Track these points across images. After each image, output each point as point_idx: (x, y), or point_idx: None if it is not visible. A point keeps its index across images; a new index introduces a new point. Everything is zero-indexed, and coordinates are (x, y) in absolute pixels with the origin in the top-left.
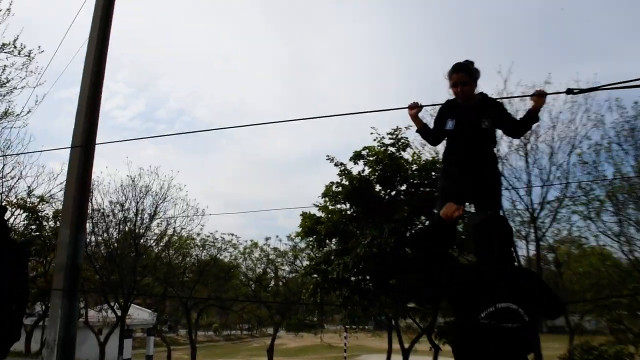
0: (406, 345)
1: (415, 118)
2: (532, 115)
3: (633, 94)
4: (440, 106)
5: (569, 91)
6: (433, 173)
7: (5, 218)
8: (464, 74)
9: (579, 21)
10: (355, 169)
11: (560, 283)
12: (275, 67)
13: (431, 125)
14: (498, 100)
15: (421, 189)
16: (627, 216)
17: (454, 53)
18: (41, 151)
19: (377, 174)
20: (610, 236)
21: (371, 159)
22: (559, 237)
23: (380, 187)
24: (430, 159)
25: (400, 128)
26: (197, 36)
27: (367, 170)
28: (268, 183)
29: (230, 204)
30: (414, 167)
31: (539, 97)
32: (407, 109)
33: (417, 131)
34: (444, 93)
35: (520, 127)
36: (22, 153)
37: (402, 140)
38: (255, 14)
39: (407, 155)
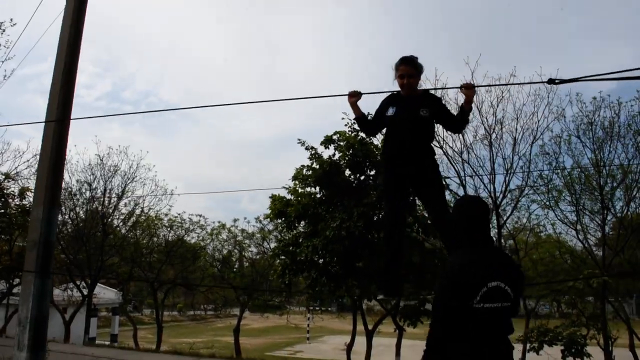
0: (370, 327)
1: (354, 106)
2: (466, 108)
3: (591, 90)
4: (384, 97)
5: (551, 81)
6: None
7: None
8: (411, 67)
9: (539, 20)
10: (326, 153)
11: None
12: (242, 51)
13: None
14: (438, 96)
15: None
16: (583, 206)
17: (425, 42)
18: (14, 125)
19: (347, 158)
20: (567, 224)
21: (342, 144)
22: (518, 225)
23: (349, 172)
24: None
25: (371, 114)
26: (164, 16)
27: (337, 155)
28: (231, 166)
29: (195, 186)
30: None
31: (468, 89)
32: (347, 97)
33: (354, 119)
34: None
35: (458, 122)
36: None
37: None
38: None
39: (377, 141)
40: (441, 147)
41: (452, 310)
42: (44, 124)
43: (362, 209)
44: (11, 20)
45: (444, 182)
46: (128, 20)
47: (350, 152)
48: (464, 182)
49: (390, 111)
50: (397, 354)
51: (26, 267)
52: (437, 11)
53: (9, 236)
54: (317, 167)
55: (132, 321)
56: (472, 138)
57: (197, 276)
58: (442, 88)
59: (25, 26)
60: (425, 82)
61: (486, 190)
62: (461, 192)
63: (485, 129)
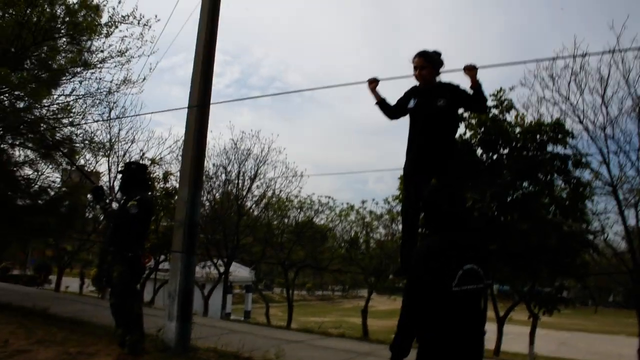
0: (501, 314)
1: (373, 91)
2: (475, 89)
3: None
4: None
5: None
6: (538, 136)
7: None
8: (423, 59)
9: None
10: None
11: None
12: (362, 30)
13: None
14: (455, 84)
15: (524, 152)
16: None
17: (569, 6)
18: (158, 112)
19: (478, 137)
20: None
21: (473, 121)
22: None
23: (482, 151)
24: (535, 120)
25: (503, 89)
26: (286, 5)
27: (468, 134)
28: (357, 147)
29: (323, 168)
30: (517, 129)
31: (470, 70)
32: (367, 83)
33: (375, 104)
34: (538, 55)
35: (477, 102)
36: (144, 114)
37: (506, 102)
38: None
39: (510, 117)
40: (581, 122)
41: (431, 294)
42: (186, 112)
43: (495, 189)
44: (156, 16)
45: (459, 171)
46: (256, 10)
47: (482, 130)
48: (607, 159)
49: (412, 103)
50: (531, 342)
51: (174, 245)
52: None
53: (155, 216)
54: None
55: (264, 299)
56: (617, 111)
57: (326, 256)
58: (448, 71)
59: (166, 22)
60: (563, 51)
61: (634, 168)
62: (604, 170)
63: (632, 99)
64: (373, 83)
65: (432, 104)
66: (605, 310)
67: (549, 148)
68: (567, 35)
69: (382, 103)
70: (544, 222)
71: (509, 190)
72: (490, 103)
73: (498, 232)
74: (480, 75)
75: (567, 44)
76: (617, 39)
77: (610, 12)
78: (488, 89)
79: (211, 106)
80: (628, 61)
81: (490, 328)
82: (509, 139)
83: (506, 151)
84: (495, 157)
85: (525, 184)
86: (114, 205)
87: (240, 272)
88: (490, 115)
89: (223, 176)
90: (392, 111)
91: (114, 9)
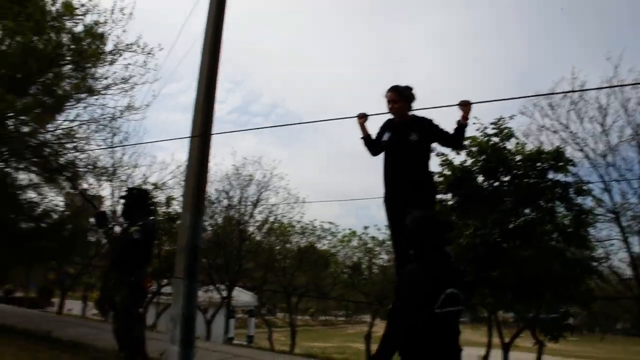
0: (506, 340)
1: (362, 126)
2: (462, 124)
3: None
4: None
5: None
6: (538, 163)
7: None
8: (394, 94)
9: None
10: (457, 159)
11: None
12: (362, 60)
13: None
14: (429, 118)
15: (525, 180)
16: None
17: (560, 40)
18: (163, 140)
19: (479, 164)
20: None
21: (474, 149)
22: None
23: (483, 178)
24: (535, 148)
25: (503, 118)
26: (287, 31)
27: (469, 161)
28: (359, 173)
29: (324, 194)
30: (518, 157)
31: (465, 106)
32: (356, 118)
33: (361, 138)
34: (537, 85)
35: (454, 138)
36: (148, 142)
37: (506, 131)
38: (342, 7)
39: (510, 145)
40: (581, 150)
41: (415, 316)
42: (189, 138)
43: (496, 216)
44: (159, 45)
45: (434, 201)
46: (256, 37)
47: (483, 157)
48: (608, 187)
49: (385, 136)
50: None
51: (176, 270)
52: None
53: (157, 241)
54: (449, 173)
55: (267, 323)
56: (617, 139)
57: (328, 282)
58: (437, 107)
59: (169, 51)
60: (562, 83)
61: (636, 196)
62: (606, 197)
63: (632, 128)
64: (362, 118)
65: (405, 138)
66: (613, 338)
67: (550, 175)
68: (565, 64)
69: (367, 139)
70: (546, 248)
71: (510, 217)
72: (490, 131)
73: (500, 258)
74: (481, 104)
75: (565, 74)
76: (615, 68)
77: (607, 44)
78: (488, 117)
79: (227, 131)
80: (626, 90)
81: (495, 354)
82: (509, 166)
83: (507, 178)
84: (496, 184)
85: (526, 210)
86: (117, 229)
87: (242, 296)
88: (491, 143)
89: (225, 201)
90: (373, 147)
91: (118, 37)
